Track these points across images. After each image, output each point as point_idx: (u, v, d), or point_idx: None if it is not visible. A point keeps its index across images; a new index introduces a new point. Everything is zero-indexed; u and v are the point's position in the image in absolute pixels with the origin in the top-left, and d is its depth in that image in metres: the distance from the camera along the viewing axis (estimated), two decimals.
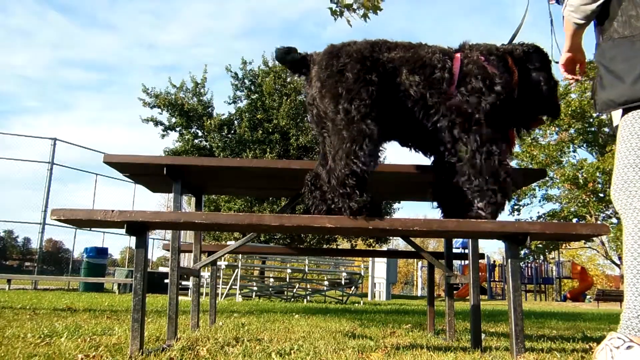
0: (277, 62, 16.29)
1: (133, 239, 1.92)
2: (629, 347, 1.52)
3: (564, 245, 24.04)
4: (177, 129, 15.75)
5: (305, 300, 9.99)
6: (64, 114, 79.91)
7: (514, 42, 2.20)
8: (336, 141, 1.94)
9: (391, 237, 20.31)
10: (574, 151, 21.46)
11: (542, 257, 24.65)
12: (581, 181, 19.60)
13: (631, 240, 1.67)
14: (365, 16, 4.51)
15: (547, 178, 20.21)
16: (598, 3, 1.78)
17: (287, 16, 76.69)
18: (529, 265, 23.69)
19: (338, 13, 4.53)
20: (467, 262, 2.69)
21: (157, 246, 18.49)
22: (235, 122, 15.99)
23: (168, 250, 2.77)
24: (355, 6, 4.48)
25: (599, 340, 2.88)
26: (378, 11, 4.49)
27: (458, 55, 2.07)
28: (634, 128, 1.72)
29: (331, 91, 1.97)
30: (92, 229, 11.15)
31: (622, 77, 1.70)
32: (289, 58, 2.15)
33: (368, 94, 1.94)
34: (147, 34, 74.66)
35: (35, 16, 71.97)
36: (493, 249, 54.58)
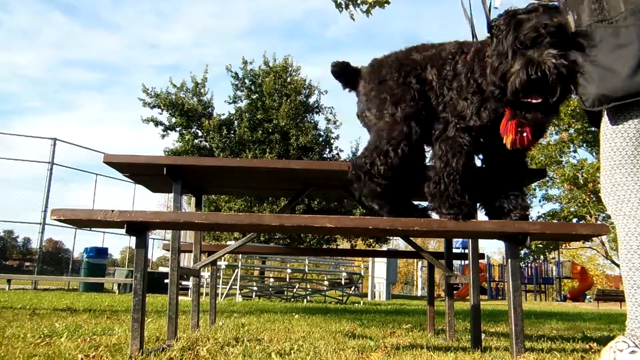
0: (277, 62, 16.35)
1: (133, 239, 1.92)
2: (632, 352, 1.53)
3: (564, 245, 24.05)
4: (177, 129, 15.75)
5: (305, 300, 9.99)
6: (65, 114, 79.99)
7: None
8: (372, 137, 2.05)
9: (391, 237, 20.30)
10: (574, 151, 21.47)
11: (542, 257, 24.66)
12: (581, 181, 19.61)
13: (624, 250, 1.62)
14: (368, 11, 4.44)
15: (547, 178, 20.22)
16: None
17: (290, 16, 76.75)
18: (529, 265, 23.71)
19: (343, 6, 4.46)
20: (467, 262, 2.69)
21: (157, 246, 18.50)
22: (235, 122, 15.99)
23: (168, 250, 2.77)
24: (359, 0, 4.41)
25: (599, 340, 2.88)
26: (386, 5, 4.40)
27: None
28: (617, 126, 1.64)
29: (375, 100, 2.08)
30: (92, 229, 11.15)
31: (613, 69, 1.57)
32: (344, 72, 2.28)
33: (410, 96, 2.01)
34: (149, 34, 74.69)
35: (37, 16, 72.08)
36: (493, 249, 54.61)
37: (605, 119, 1.70)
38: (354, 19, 4.52)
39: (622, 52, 1.56)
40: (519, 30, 1.66)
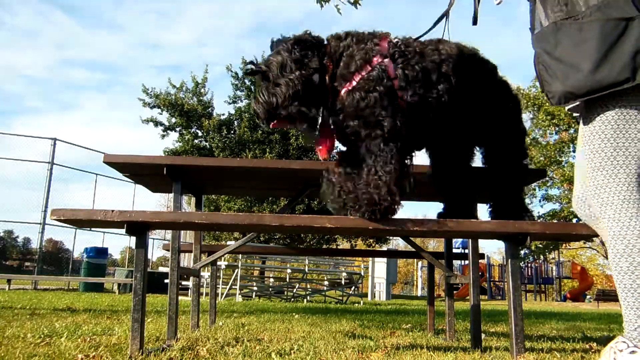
0: None
1: (133, 239, 1.92)
2: (632, 352, 1.52)
3: (564, 245, 24.04)
4: (177, 129, 15.75)
5: (305, 300, 9.99)
6: (66, 114, 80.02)
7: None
8: None
9: (391, 237, 20.30)
10: (574, 151, 21.44)
11: (542, 257, 24.65)
12: None
13: (612, 254, 1.58)
14: (355, 3, 4.32)
15: (547, 178, 20.21)
16: None
17: (292, 16, 76.66)
18: (529, 265, 23.69)
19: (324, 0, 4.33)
20: (467, 262, 2.69)
21: (157, 246, 18.51)
22: (235, 122, 15.98)
23: (168, 250, 2.77)
24: None
25: (599, 340, 2.88)
26: None
27: None
28: (594, 127, 1.62)
29: None
30: (92, 229, 11.15)
31: (576, 66, 1.56)
32: None
33: None
34: (151, 34, 74.66)
35: (39, 16, 72.07)
36: (493, 249, 54.62)
37: (582, 120, 1.68)
38: (340, 12, 4.39)
39: (584, 48, 1.55)
40: None
